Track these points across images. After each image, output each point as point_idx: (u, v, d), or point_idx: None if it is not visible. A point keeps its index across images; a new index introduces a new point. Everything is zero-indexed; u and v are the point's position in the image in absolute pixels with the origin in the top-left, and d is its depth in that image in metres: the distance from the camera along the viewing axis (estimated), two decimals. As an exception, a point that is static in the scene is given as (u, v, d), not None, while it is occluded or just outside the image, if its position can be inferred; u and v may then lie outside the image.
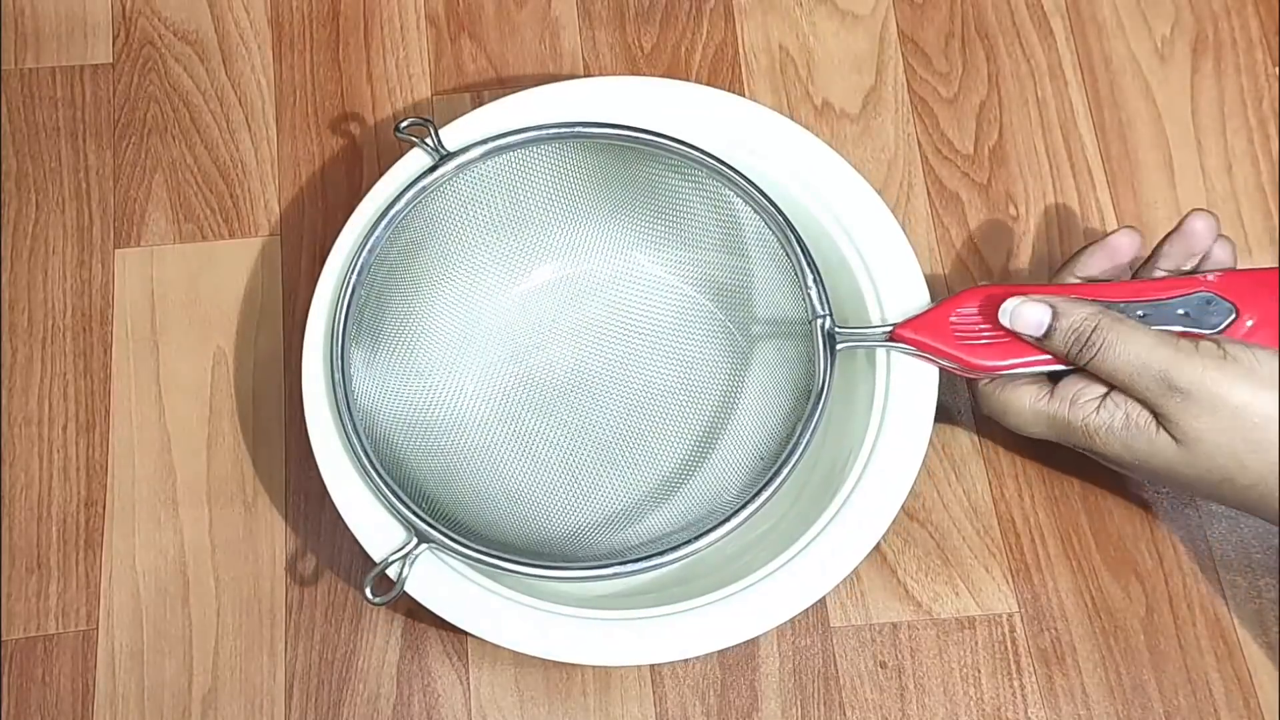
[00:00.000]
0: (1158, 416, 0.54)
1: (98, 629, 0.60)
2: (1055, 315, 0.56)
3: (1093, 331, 0.55)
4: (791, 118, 0.63)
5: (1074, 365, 0.56)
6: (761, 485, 0.55)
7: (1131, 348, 0.54)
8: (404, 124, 0.60)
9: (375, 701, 0.59)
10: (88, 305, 0.66)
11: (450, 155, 0.60)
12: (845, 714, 0.59)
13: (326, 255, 0.60)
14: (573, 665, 0.59)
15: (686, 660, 0.60)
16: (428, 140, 0.60)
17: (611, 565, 0.55)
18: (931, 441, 0.58)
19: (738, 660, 0.60)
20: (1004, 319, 0.56)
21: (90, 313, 0.65)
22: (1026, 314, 0.56)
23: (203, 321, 0.65)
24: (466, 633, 0.56)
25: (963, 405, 0.64)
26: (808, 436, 0.56)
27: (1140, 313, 0.57)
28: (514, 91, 0.63)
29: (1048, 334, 0.56)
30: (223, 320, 0.65)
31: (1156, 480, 0.61)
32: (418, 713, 0.59)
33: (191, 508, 0.62)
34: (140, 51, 0.71)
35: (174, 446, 0.63)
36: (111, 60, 0.70)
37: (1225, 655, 0.60)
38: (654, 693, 0.59)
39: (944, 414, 0.64)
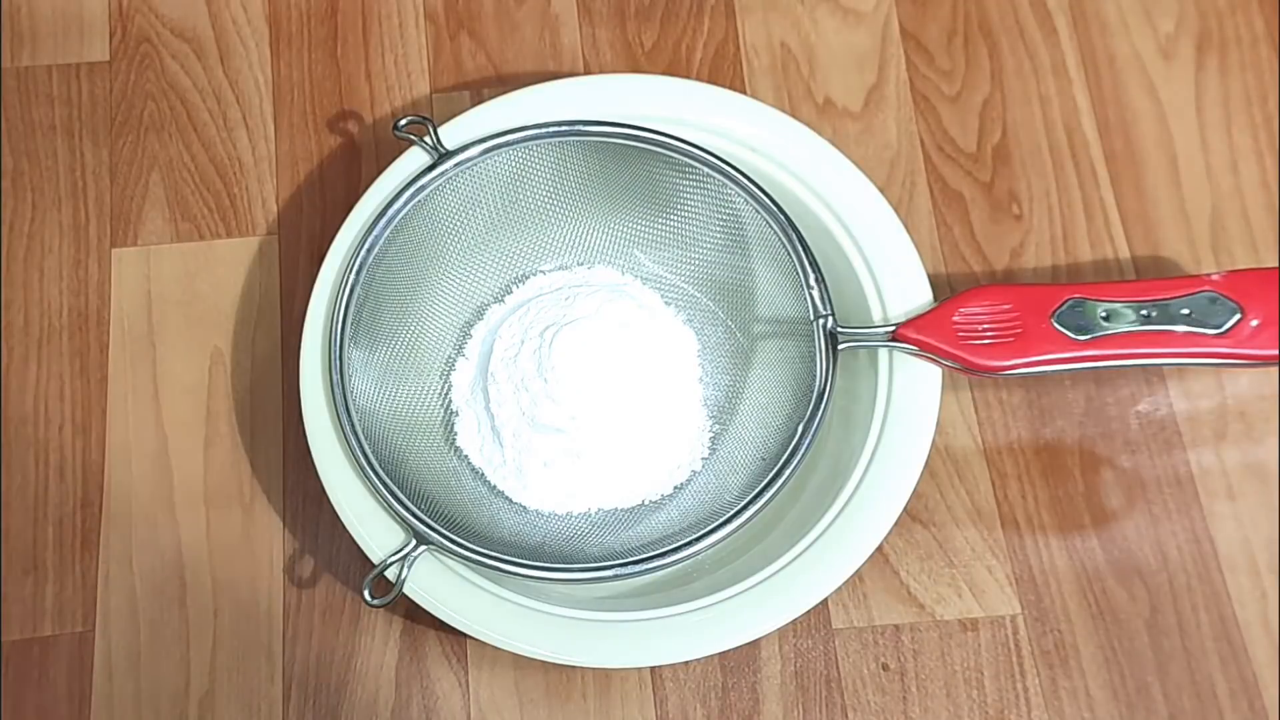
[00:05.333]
0: None
1: (94, 631, 0.60)
2: None
3: None
4: (793, 115, 0.63)
5: None
6: (763, 486, 0.55)
7: None
8: (402, 122, 0.60)
9: (374, 704, 0.59)
10: (84, 305, 0.65)
11: (449, 154, 0.60)
12: (847, 716, 0.59)
13: (325, 254, 0.60)
14: (572, 667, 0.59)
15: (687, 662, 0.59)
16: (426, 139, 0.60)
17: (612, 566, 0.55)
18: (934, 442, 0.57)
19: (739, 662, 0.60)
20: None
21: (87, 312, 0.65)
22: None
23: (200, 321, 0.65)
24: (466, 635, 0.55)
25: (965, 405, 0.64)
26: (809, 437, 0.56)
27: (1144, 312, 0.57)
28: (513, 89, 0.62)
29: None
30: (220, 320, 0.65)
31: None
32: (416, 715, 0.59)
33: (189, 509, 0.62)
34: (137, 49, 0.70)
35: (171, 447, 0.63)
36: (108, 58, 0.70)
37: (1230, 657, 0.60)
38: (654, 695, 0.59)
39: (947, 414, 0.63)
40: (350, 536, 0.56)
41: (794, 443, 0.56)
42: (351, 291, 0.58)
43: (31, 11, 0.71)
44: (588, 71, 0.70)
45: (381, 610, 0.60)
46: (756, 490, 0.55)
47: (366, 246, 0.59)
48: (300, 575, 0.61)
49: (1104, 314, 0.57)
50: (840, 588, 0.56)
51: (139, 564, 0.61)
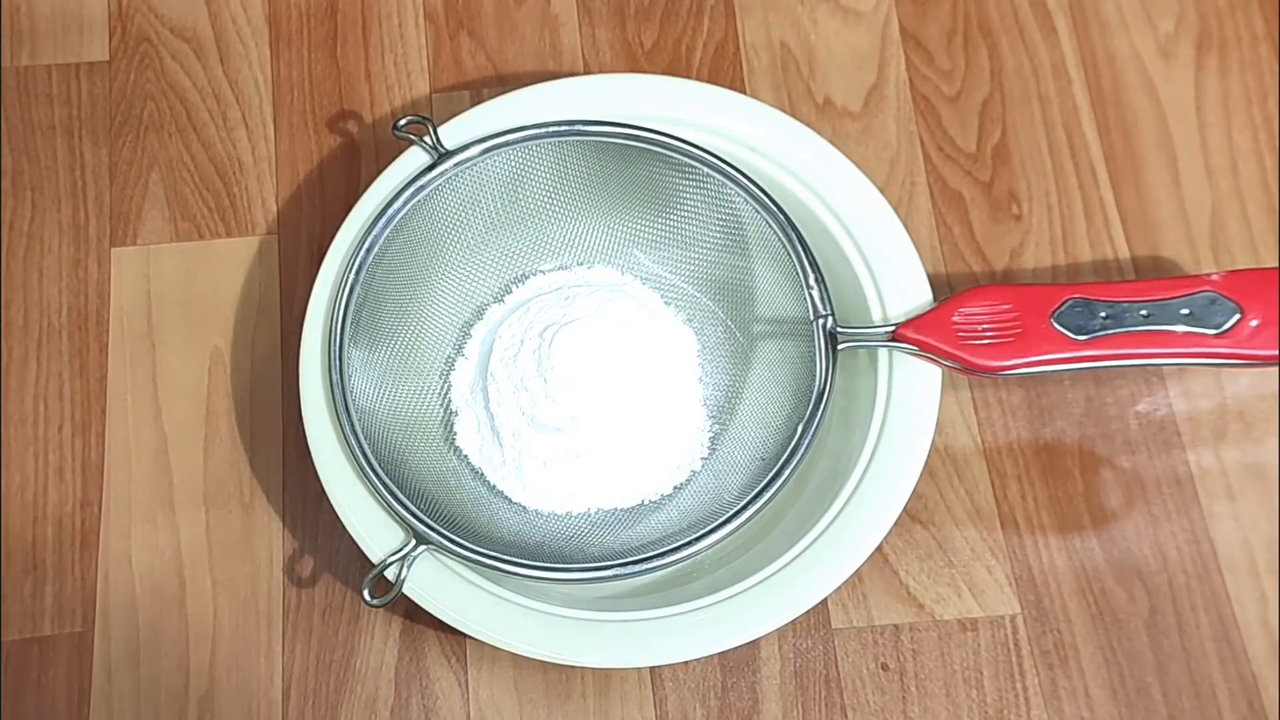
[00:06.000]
0: None
1: (93, 631, 0.60)
2: None
3: None
4: (793, 115, 0.63)
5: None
6: (762, 486, 0.55)
7: None
8: (402, 122, 0.60)
9: (373, 704, 0.59)
10: (84, 304, 0.65)
11: (449, 154, 0.60)
12: (847, 716, 0.59)
13: (324, 254, 0.60)
14: (572, 667, 0.59)
15: (687, 662, 0.59)
16: (426, 138, 0.60)
17: (611, 566, 0.55)
18: (934, 442, 0.57)
19: (738, 662, 0.60)
20: None
21: (86, 312, 0.65)
22: None
23: (199, 321, 0.65)
24: (465, 634, 0.55)
25: (965, 405, 0.64)
26: (809, 437, 0.56)
27: (1143, 312, 0.57)
28: (513, 89, 0.62)
29: None
30: (220, 320, 0.65)
31: None
32: (416, 715, 0.59)
33: (188, 509, 0.62)
34: (137, 49, 0.70)
35: (170, 447, 0.63)
36: (108, 58, 0.70)
37: (1229, 658, 0.60)
38: (654, 695, 0.59)
39: (947, 414, 0.63)
40: (350, 536, 0.56)
41: (794, 443, 0.56)
42: (351, 291, 0.58)
43: (31, 11, 0.71)
44: (588, 71, 0.70)
45: (381, 610, 0.60)
46: (756, 490, 0.55)
47: (366, 246, 0.59)
48: (300, 575, 0.61)
49: (1104, 314, 0.57)
50: (840, 588, 0.56)
51: (138, 563, 0.61)
